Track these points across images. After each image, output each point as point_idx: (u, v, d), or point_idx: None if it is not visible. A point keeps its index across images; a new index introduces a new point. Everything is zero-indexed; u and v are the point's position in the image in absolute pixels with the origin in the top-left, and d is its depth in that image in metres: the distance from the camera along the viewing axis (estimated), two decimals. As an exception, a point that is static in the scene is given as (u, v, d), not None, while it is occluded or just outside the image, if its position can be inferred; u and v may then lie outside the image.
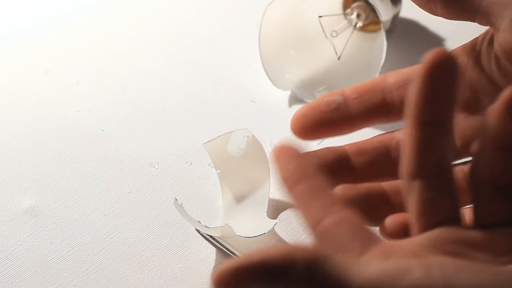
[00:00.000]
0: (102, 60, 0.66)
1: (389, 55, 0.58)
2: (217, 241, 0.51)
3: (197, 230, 0.52)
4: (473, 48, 0.40)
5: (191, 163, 0.57)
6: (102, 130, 0.60)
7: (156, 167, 0.57)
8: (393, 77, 0.41)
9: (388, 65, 0.60)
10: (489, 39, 0.39)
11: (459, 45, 0.42)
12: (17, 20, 0.71)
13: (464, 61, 0.40)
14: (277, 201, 0.54)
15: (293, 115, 0.40)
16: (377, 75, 0.59)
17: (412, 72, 0.41)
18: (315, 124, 0.40)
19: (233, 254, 0.50)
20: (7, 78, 0.65)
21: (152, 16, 0.71)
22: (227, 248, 0.50)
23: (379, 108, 0.40)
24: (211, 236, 0.51)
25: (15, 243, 0.51)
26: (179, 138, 0.59)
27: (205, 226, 0.49)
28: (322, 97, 0.41)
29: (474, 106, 0.40)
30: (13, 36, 0.69)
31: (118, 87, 0.64)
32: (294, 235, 0.52)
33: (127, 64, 0.66)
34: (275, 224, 0.50)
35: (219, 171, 0.53)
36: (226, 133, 0.53)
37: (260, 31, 0.60)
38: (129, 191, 0.55)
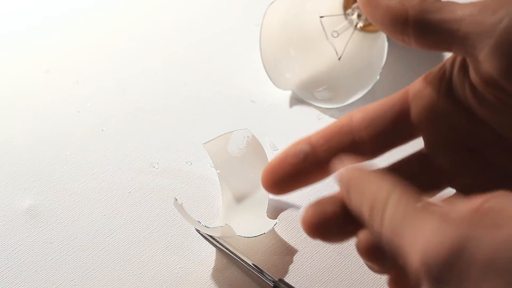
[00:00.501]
0: (102, 60, 0.66)
1: (389, 55, 0.58)
2: (217, 241, 0.51)
3: (197, 230, 0.52)
4: (443, 76, 0.38)
5: (191, 163, 0.57)
6: (102, 130, 0.60)
7: (156, 167, 0.57)
8: (359, 115, 0.39)
9: (388, 65, 0.60)
10: (459, 66, 0.37)
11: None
12: (17, 20, 0.71)
13: (432, 92, 0.38)
14: (277, 201, 0.54)
15: (263, 171, 0.39)
16: (378, 76, 0.59)
17: (378, 108, 0.39)
18: (285, 178, 0.38)
19: (233, 254, 0.50)
20: (7, 78, 0.65)
21: (152, 16, 0.71)
22: (227, 248, 0.50)
23: (349, 150, 0.39)
24: (211, 236, 0.51)
25: (15, 243, 0.51)
26: (179, 138, 0.59)
27: (205, 226, 0.49)
28: (288, 148, 0.39)
29: (455, 142, 0.38)
30: (13, 36, 0.69)
31: (118, 87, 0.64)
32: (294, 235, 0.52)
33: (127, 64, 0.66)
34: (275, 224, 0.50)
35: (219, 171, 0.53)
36: (226, 133, 0.53)
37: (261, 30, 0.60)
38: (129, 191, 0.55)
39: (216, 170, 0.53)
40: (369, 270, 0.37)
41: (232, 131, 0.53)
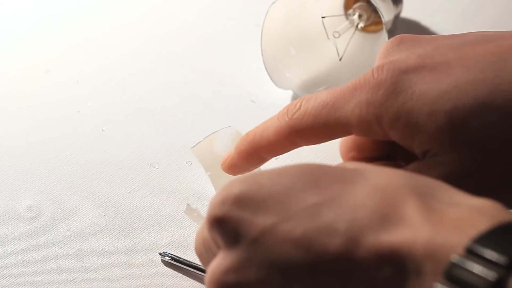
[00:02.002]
0: (102, 60, 0.66)
1: (390, 55, 0.58)
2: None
3: (164, 261, 0.50)
4: None
5: (191, 163, 0.57)
6: (102, 130, 0.60)
7: (156, 167, 0.57)
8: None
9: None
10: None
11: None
12: (17, 20, 0.71)
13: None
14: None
15: (224, 166, 0.49)
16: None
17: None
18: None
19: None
20: (7, 78, 0.65)
21: (152, 16, 0.71)
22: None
23: None
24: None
25: (15, 243, 0.51)
26: (179, 138, 0.59)
27: None
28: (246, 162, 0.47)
29: None
30: (13, 36, 0.69)
31: (118, 87, 0.64)
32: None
33: (127, 64, 0.66)
34: None
35: (209, 173, 0.52)
36: (211, 133, 0.52)
37: (262, 30, 0.60)
38: (129, 191, 0.55)
39: (206, 172, 0.52)
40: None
41: (216, 131, 0.52)
